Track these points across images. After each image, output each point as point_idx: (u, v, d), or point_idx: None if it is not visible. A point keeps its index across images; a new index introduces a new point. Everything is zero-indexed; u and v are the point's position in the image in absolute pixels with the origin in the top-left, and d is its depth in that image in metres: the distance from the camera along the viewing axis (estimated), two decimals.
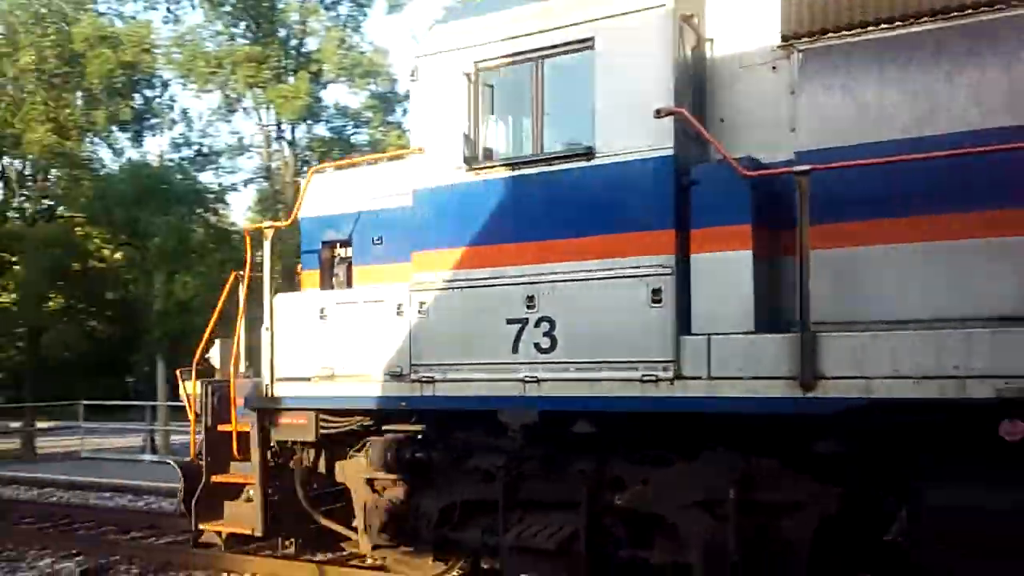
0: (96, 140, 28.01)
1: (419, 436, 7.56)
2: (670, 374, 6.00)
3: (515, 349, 6.62)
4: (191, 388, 8.80)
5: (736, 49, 6.58)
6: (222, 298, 8.86)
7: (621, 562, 6.51)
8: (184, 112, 29.35)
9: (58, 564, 8.83)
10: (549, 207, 6.61)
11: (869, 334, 5.44)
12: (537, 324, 6.57)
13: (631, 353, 6.13)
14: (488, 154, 7.05)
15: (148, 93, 28.01)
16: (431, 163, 7.15)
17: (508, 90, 7.03)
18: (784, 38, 6.28)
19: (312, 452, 8.17)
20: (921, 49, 5.68)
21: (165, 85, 28.25)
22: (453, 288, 6.96)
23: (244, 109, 28.75)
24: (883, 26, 5.88)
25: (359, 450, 7.83)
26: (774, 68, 6.38)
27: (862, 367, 5.37)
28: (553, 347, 6.49)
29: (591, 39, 6.45)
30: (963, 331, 5.16)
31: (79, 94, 26.52)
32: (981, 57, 5.46)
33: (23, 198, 25.99)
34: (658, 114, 6.01)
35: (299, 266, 8.93)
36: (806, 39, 6.15)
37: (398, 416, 7.58)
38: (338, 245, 8.44)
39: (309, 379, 7.77)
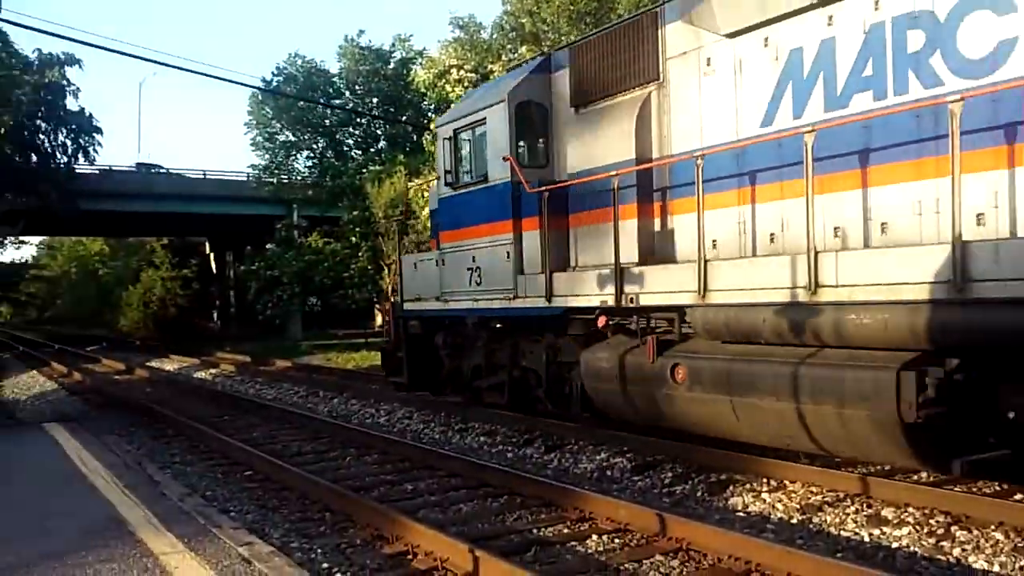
0: None
1: (468, 327, 12.97)
2: (512, 296, 11.42)
3: (470, 284, 12.38)
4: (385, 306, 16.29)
5: (561, 113, 11.33)
6: (398, 255, 15.50)
7: (532, 395, 12.01)
8: None
9: (612, 459, 9.75)
10: (476, 207, 12.14)
11: (575, 273, 10.62)
12: (475, 271, 12.23)
13: (501, 285, 11.63)
14: (457, 179, 12.64)
15: None
16: (441, 184, 13.05)
17: (465, 144, 12.59)
18: (572, 106, 11.06)
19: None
20: (602, 117, 10.46)
21: None
22: (451, 252, 12.83)
23: None
24: (594, 102, 10.71)
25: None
26: (575, 119, 11.04)
27: (570, 290, 10.43)
28: (481, 283, 12.14)
29: (485, 118, 11.95)
30: (591, 272, 10.16)
31: None
32: (621, 121, 10.05)
33: None
34: (504, 159, 11.28)
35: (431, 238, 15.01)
36: (581, 107, 10.94)
37: (476, 319, 12.72)
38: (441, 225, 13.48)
39: (413, 300, 14.09)
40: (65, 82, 36.70)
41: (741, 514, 7.57)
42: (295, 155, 42.24)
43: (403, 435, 12.43)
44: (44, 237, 78.88)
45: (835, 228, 7.84)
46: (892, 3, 7.48)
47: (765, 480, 8.35)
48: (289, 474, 9.40)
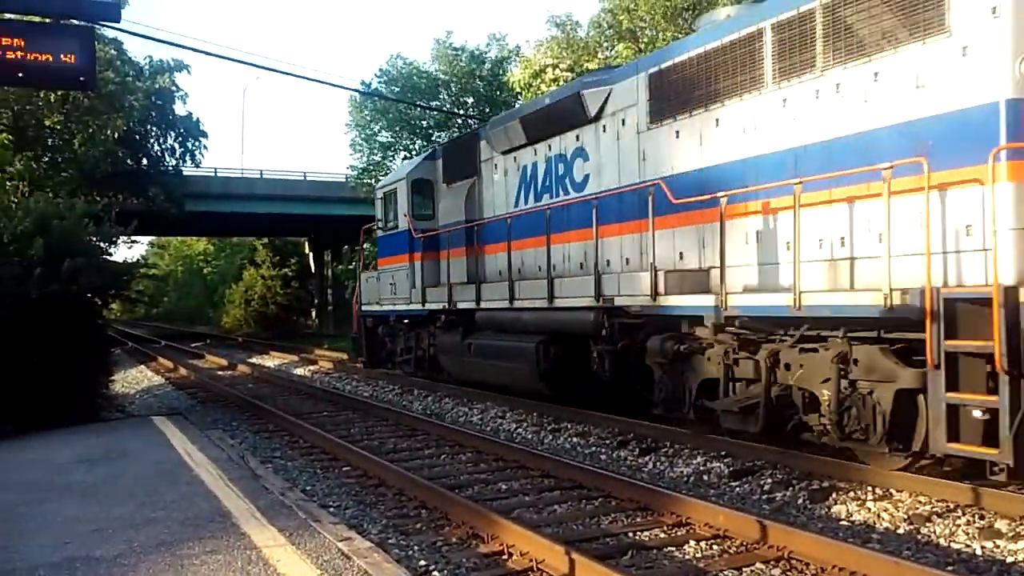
0: None
1: (391, 323, 19.46)
2: (409, 302, 17.66)
3: (391, 294, 18.66)
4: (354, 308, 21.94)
5: (440, 186, 17.38)
6: (357, 273, 23.88)
7: (427, 367, 17.91)
8: None
9: (709, 464, 9.52)
10: (394, 244, 18.41)
11: (435, 288, 16.72)
12: (394, 285, 18.44)
13: (405, 295, 17.84)
14: (386, 225, 18.98)
15: None
16: (379, 228, 19.50)
17: (389, 203, 18.74)
18: (444, 183, 17.21)
19: (412, 333, 18.66)
20: (454, 192, 16.66)
21: None
22: (384, 272, 19.17)
23: None
24: (451, 183, 17.07)
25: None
26: (445, 191, 17.11)
27: (432, 298, 16.68)
28: (396, 293, 18.41)
29: (396, 188, 18.33)
30: (440, 288, 16.44)
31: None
32: (461, 197, 16.31)
33: None
34: (404, 215, 17.85)
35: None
36: (448, 184, 17.10)
37: (395, 317, 19.09)
38: None
39: (367, 304, 20.32)
40: (174, 87, 38.05)
41: (845, 523, 7.34)
42: (392, 156, 42.85)
43: (496, 434, 12.46)
44: (153, 237, 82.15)
45: (539, 267, 13.78)
46: (555, 148, 13.61)
47: (870, 488, 8.07)
48: (386, 470, 9.53)
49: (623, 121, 11.83)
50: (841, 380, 8.14)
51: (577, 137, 12.89)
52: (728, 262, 9.27)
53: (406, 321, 18.33)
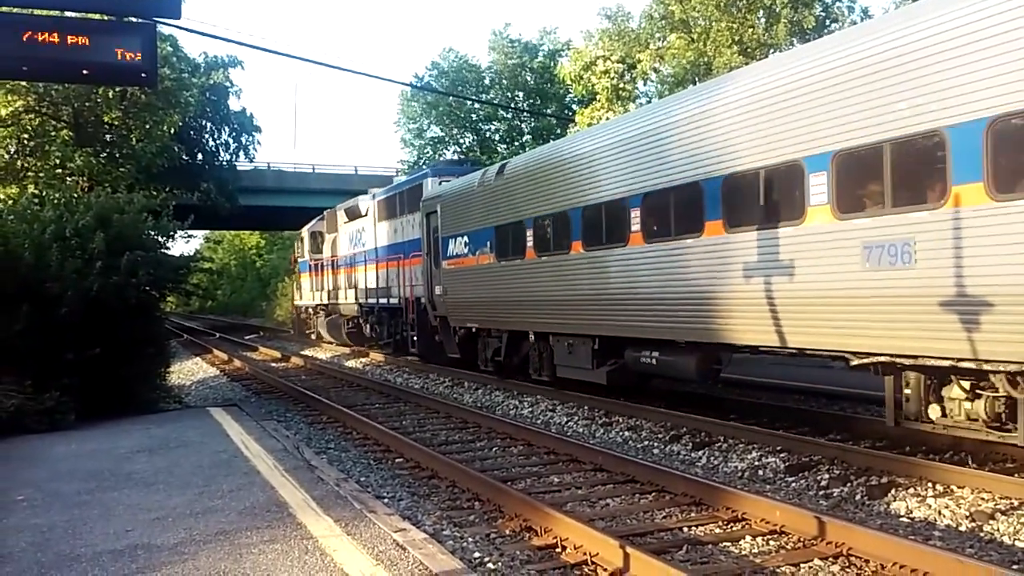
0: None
1: (305, 310, 38.55)
2: (309, 299, 36.61)
3: (305, 294, 36.77)
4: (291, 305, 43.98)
5: (326, 235, 32.24)
6: (292, 284, 44.21)
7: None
8: (864, 11, 28.50)
9: (765, 459, 9.37)
10: (304, 267, 36.41)
11: (319, 292, 34.73)
12: (307, 289, 36.17)
13: (309, 295, 35.82)
14: (304, 255, 36.68)
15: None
16: (299, 257, 38.00)
17: (303, 243, 37.19)
18: (328, 233, 32.30)
19: (315, 317, 35.65)
20: (330, 239, 31.91)
21: None
22: (304, 282, 36.81)
23: None
24: (330, 233, 32.50)
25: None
26: (327, 237, 32.25)
27: (316, 299, 35.26)
28: (305, 293, 36.76)
29: (305, 235, 36.58)
30: (319, 291, 34.11)
31: (761, 13, 27.30)
32: (330, 242, 32.11)
33: None
34: (308, 251, 36.20)
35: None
36: (329, 234, 32.10)
37: (304, 307, 38.41)
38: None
39: (297, 300, 39.85)
40: (228, 83, 38.56)
41: (904, 519, 7.21)
42: (442, 151, 43.03)
43: (547, 427, 12.46)
44: (208, 231, 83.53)
45: (355, 285, 27.76)
46: (356, 225, 27.78)
47: (930, 484, 7.92)
48: (439, 463, 9.59)
49: (374, 217, 25.16)
50: (399, 322, 23.44)
51: (361, 221, 26.46)
52: (380, 285, 24.23)
53: (309, 310, 34.83)
